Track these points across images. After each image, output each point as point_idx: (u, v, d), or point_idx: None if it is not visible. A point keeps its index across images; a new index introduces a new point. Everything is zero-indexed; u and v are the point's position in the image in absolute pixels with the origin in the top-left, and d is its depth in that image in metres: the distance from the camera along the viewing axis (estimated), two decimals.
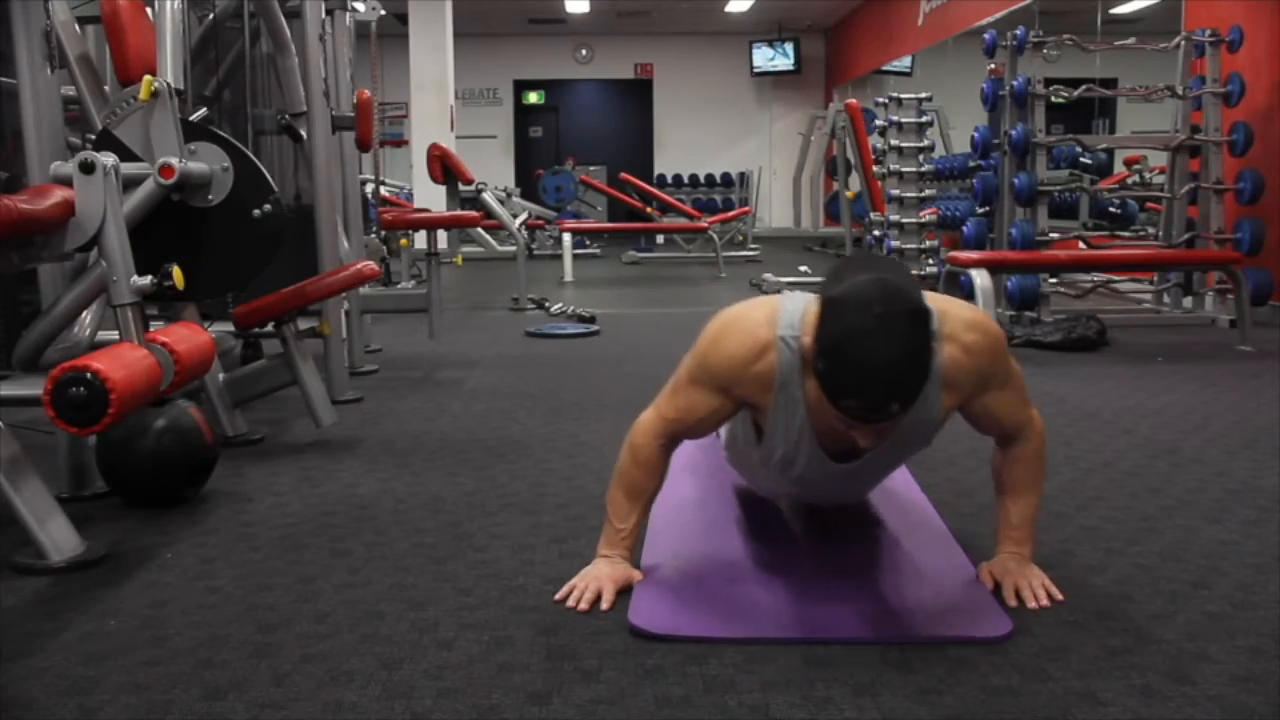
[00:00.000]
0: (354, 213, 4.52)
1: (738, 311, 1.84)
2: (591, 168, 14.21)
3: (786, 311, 1.76)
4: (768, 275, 7.62)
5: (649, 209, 11.63)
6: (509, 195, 10.61)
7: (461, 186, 8.66)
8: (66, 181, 2.30)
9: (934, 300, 1.77)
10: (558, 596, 1.89)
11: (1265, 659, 1.65)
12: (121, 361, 2.08)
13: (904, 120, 6.33)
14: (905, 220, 6.26)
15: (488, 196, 8.93)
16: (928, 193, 6.40)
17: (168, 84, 2.63)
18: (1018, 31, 5.69)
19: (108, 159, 2.29)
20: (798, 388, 1.75)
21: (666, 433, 1.90)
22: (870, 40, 13.41)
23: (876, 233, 7.02)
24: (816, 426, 1.78)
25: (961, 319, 1.77)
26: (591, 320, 5.88)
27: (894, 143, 6.33)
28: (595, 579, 1.90)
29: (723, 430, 2.15)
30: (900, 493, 2.45)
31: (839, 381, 1.57)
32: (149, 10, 2.86)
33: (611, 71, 15.98)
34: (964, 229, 5.94)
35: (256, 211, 2.72)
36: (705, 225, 10.21)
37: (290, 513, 2.46)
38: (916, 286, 1.63)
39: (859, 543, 2.18)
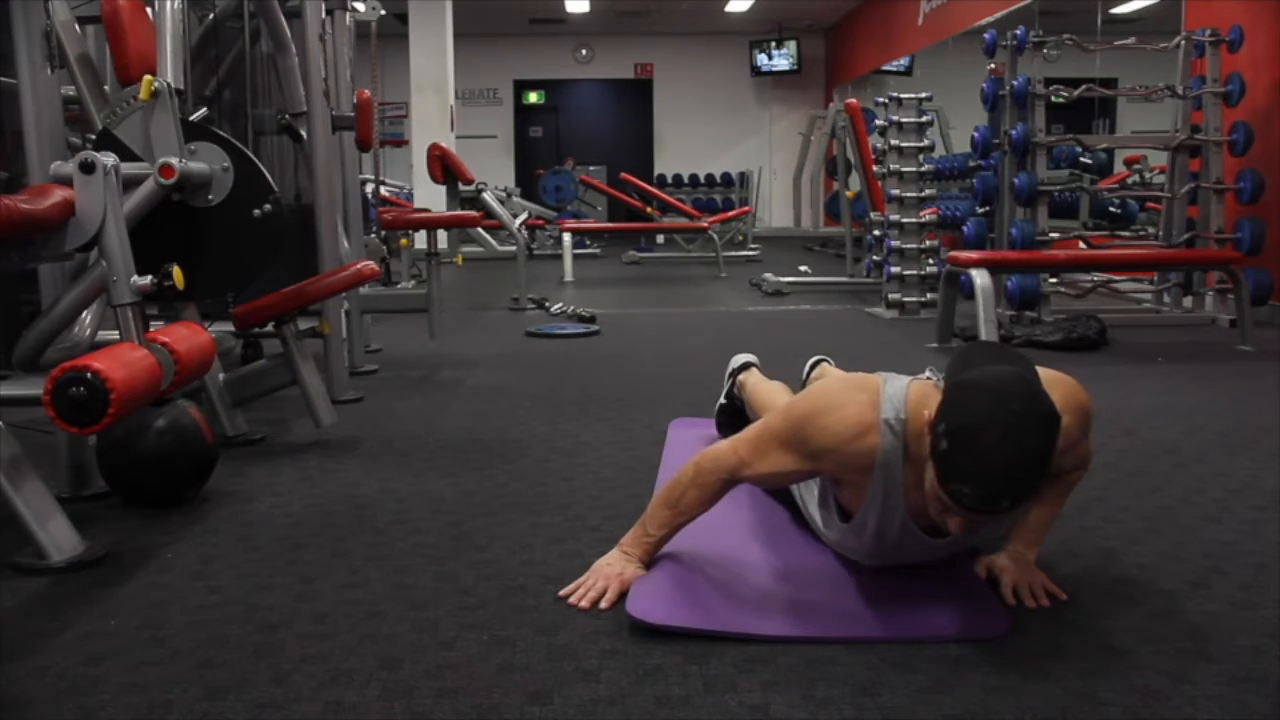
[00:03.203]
0: (354, 213, 4.52)
1: (841, 390, 1.83)
2: (591, 168, 14.20)
3: (888, 395, 1.75)
4: (768, 275, 7.63)
5: (649, 209, 11.64)
6: (509, 195, 10.61)
7: (461, 186, 8.66)
8: (66, 181, 2.30)
9: None
10: (563, 593, 1.90)
11: (1265, 659, 1.65)
12: (121, 361, 2.08)
13: (904, 120, 6.32)
14: (905, 220, 6.25)
15: (488, 196, 8.93)
16: (928, 193, 6.38)
17: (168, 84, 2.63)
18: (1018, 31, 5.69)
19: (108, 159, 2.29)
20: (898, 470, 1.73)
21: (738, 477, 1.89)
22: (870, 40, 13.41)
23: (876, 232, 7.02)
24: (911, 504, 1.76)
25: (1059, 402, 1.69)
26: (591, 320, 5.88)
27: (894, 142, 6.31)
28: (604, 576, 1.90)
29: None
30: None
31: (960, 467, 1.54)
32: (149, 10, 2.86)
33: (611, 71, 15.98)
34: (964, 229, 5.94)
35: (256, 211, 2.72)
36: (705, 225, 10.21)
37: (290, 513, 2.46)
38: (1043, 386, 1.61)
39: None
